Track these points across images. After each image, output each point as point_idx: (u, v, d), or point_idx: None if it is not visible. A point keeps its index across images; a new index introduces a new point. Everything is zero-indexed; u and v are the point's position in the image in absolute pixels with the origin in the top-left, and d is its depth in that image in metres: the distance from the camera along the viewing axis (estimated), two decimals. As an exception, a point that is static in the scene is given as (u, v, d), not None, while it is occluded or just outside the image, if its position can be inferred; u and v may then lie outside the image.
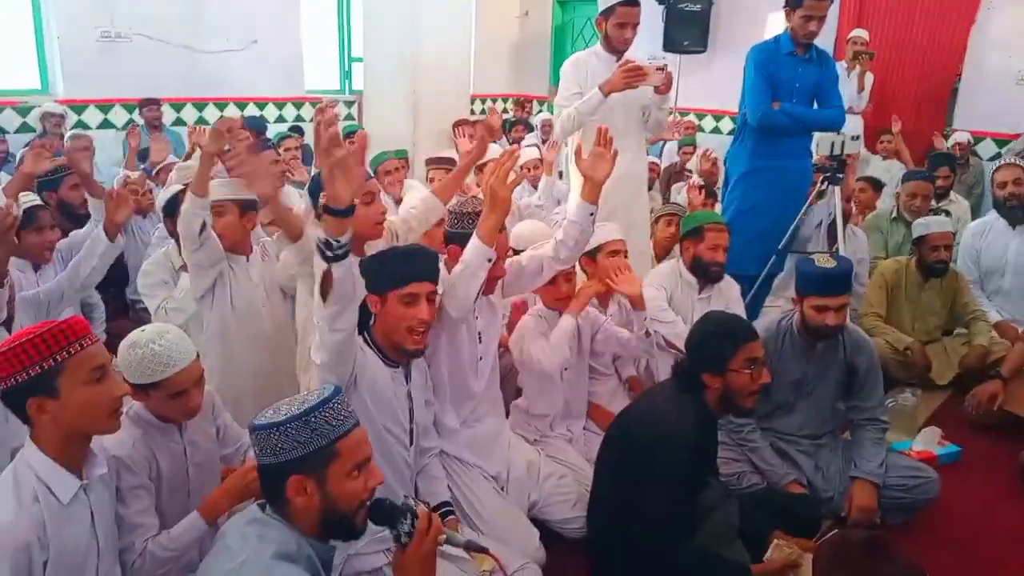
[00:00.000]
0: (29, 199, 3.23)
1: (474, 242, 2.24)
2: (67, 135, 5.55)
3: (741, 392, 2.23)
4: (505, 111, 10.21)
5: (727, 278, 3.49)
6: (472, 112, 8.50)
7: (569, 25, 9.90)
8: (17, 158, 5.04)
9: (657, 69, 3.38)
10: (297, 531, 1.48)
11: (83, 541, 1.66)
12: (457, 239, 2.45)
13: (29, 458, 1.63)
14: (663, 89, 3.49)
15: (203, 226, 2.66)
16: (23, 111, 6.38)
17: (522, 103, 9.38)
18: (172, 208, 3.04)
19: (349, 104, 8.80)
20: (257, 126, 6.60)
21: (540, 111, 9.56)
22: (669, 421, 2.19)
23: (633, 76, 3.34)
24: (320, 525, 1.49)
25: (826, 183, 3.89)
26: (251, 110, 7.58)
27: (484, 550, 1.64)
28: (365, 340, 2.18)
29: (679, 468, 2.15)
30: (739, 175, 4.04)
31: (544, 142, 7.69)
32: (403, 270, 2.09)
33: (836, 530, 2.66)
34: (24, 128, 6.32)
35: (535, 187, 5.23)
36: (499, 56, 9.90)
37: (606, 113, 3.43)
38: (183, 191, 3.05)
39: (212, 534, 2.01)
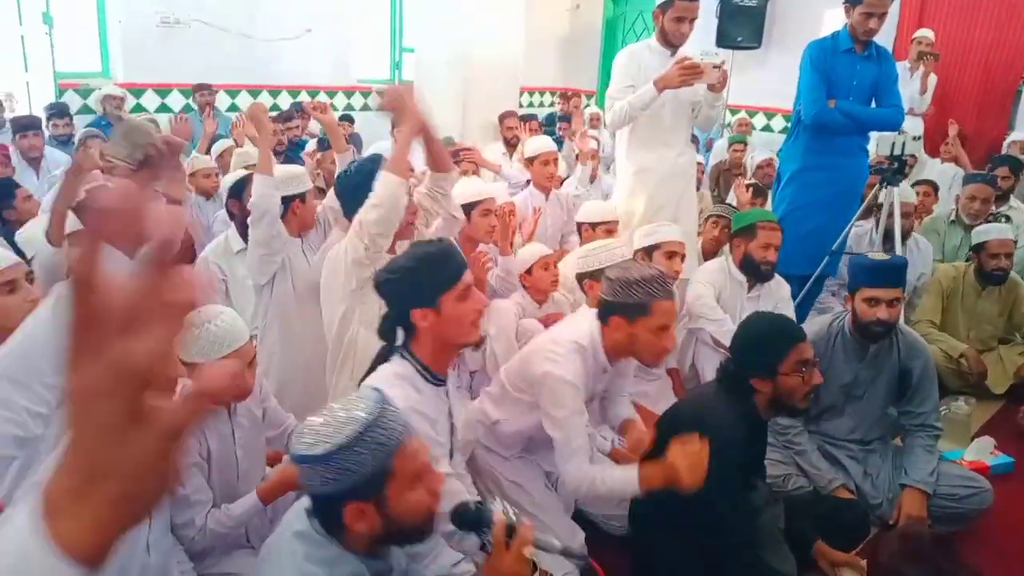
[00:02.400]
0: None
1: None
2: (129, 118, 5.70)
3: (793, 394, 2.18)
4: (552, 104, 10.18)
5: (777, 277, 3.44)
6: (520, 105, 8.50)
7: (620, 19, 9.82)
8: (76, 139, 5.21)
9: (713, 67, 3.33)
10: (350, 551, 1.40)
11: None
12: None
13: None
14: (718, 87, 3.44)
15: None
16: (84, 93, 6.56)
17: (569, 97, 9.33)
18: (238, 190, 3.10)
19: (398, 94, 8.84)
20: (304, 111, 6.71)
21: (587, 105, 9.52)
22: (715, 426, 2.11)
23: (689, 74, 3.29)
24: (381, 542, 1.42)
25: (884, 184, 3.80)
26: (303, 98, 7.67)
27: (584, 558, 1.60)
28: (408, 362, 1.94)
29: (725, 473, 2.09)
30: (792, 173, 3.98)
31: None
32: (448, 270, 1.91)
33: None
34: (85, 110, 6.50)
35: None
36: (549, 49, 9.87)
37: (655, 108, 3.41)
38: (249, 176, 3.13)
39: (264, 514, 2.08)
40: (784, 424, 2.82)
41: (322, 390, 2.85)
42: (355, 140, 6.00)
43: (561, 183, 5.57)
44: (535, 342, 2.41)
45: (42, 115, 5.90)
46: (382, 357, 1.97)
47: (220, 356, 1.96)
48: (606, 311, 2.24)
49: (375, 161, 2.55)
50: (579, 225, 3.72)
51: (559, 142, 7.42)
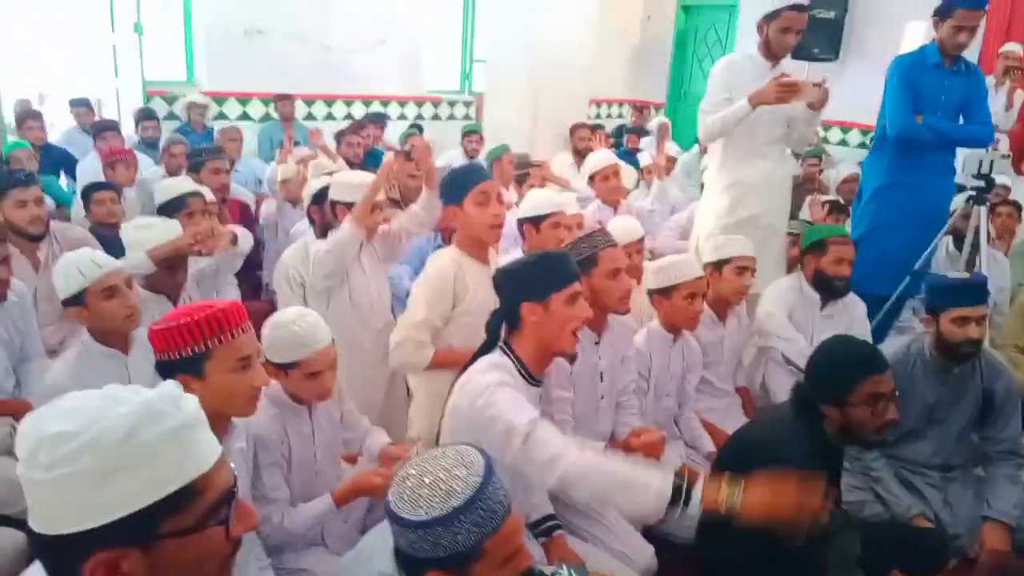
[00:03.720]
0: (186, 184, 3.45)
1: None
2: (216, 127, 5.95)
3: (862, 426, 2.08)
4: (620, 116, 10.15)
5: (852, 296, 3.35)
6: (588, 116, 8.50)
7: (692, 30, 9.74)
8: (161, 144, 5.44)
9: (814, 84, 3.26)
10: None
11: None
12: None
13: None
14: (817, 105, 3.37)
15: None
16: (170, 100, 6.85)
17: (640, 108, 9.29)
18: (320, 197, 3.20)
19: (467, 104, 8.98)
20: (380, 120, 6.91)
21: (657, 116, 9.46)
22: (785, 451, 2.03)
23: (786, 91, 3.23)
24: None
25: (971, 202, 3.66)
26: (375, 107, 7.84)
27: None
28: (507, 356, 2.00)
29: None
30: (875, 189, 3.87)
31: (659, 145, 7.63)
32: (562, 271, 1.99)
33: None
34: (171, 116, 6.78)
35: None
36: (619, 60, 9.85)
37: (749, 122, 3.36)
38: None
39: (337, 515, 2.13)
40: (860, 449, 2.73)
41: (378, 400, 2.92)
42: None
43: (628, 194, 5.54)
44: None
45: (131, 120, 6.20)
46: (482, 352, 2.04)
47: (303, 357, 2.02)
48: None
49: (470, 174, 2.62)
50: None
51: (627, 154, 7.41)
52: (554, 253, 2.09)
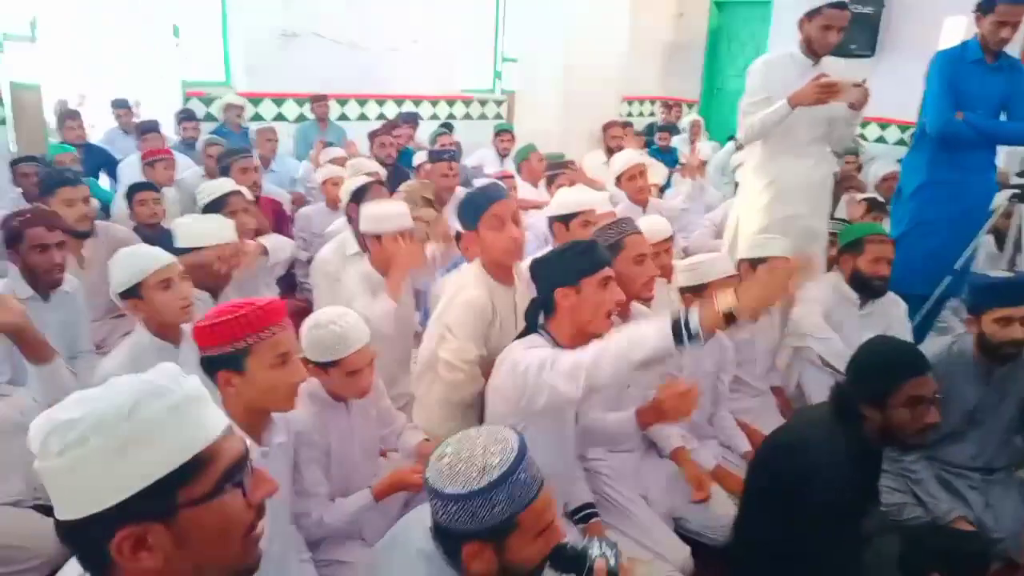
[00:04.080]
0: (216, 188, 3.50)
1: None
2: (253, 127, 6.04)
3: (903, 429, 2.05)
4: (652, 114, 10.11)
5: (891, 295, 3.30)
6: (619, 114, 8.48)
7: (726, 27, 9.66)
8: (199, 145, 5.54)
9: (854, 85, 3.21)
10: None
11: None
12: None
13: None
14: (858, 105, 3.32)
15: None
16: (207, 101, 6.96)
17: (670, 106, 9.23)
18: (358, 195, 3.24)
19: (499, 103, 9.00)
20: (412, 119, 6.96)
21: (689, 114, 9.40)
22: (822, 453, 2.03)
23: (826, 92, 3.19)
24: None
25: (1013, 200, 3.59)
26: (407, 107, 7.90)
27: None
28: (544, 339, 2.11)
29: (833, 502, 2.01)
30: (915, 188, 3.80)
31: (693, 143, 7.59)
32: (593, 257, 2.09)
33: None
34: (208, 117, 6.88)
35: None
36: (651, 58, 9.80)
37: (789, 121, 3.33)
38: (371, 183, 3.37)
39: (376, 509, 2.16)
40: (899, 451, 2.70)
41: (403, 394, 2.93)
42: (456, 149, 6.12)
43: (661, 191, 5.53)
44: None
45: (169, 121, 6.32)
46: (520, 338, 2.13)
47: (343, 356, 2.05)
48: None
49: (480, 198, 2.57)
50: None
51: (658, 152, 7.38)
52: (585, 241, 2.20)
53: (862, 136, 7.46)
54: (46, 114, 5.84)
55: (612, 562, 1.40)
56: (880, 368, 2.08)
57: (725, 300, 1.71)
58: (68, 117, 5.61)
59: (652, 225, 3.14)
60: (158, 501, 0.90)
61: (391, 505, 2.23)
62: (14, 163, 4.63)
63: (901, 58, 6.91)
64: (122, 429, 0.88)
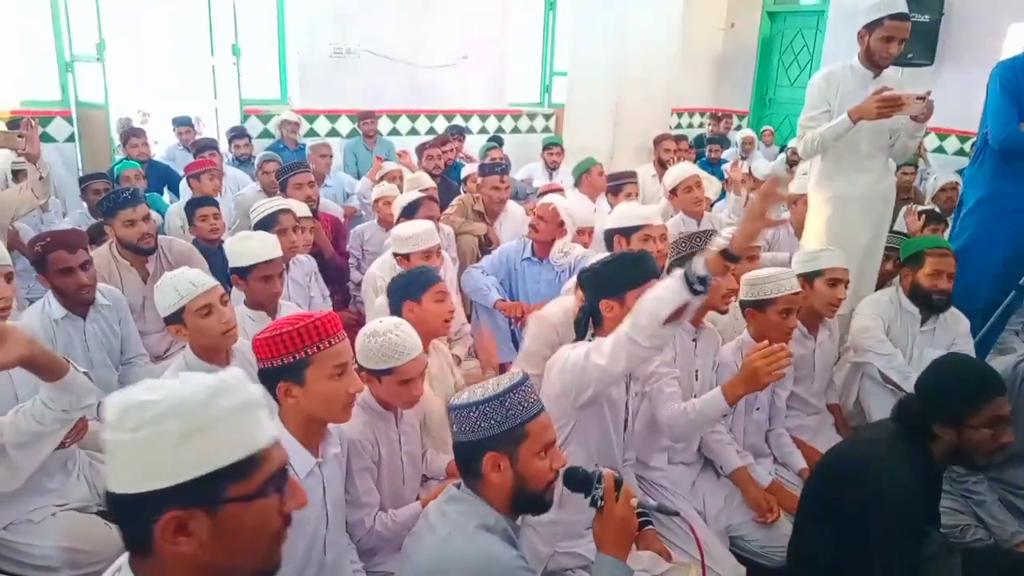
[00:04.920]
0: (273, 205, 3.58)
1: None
2: (308, 143, 6.17)
3: (977, 449, 2.01)
4: (701, 125, 10.03)
5: (954, 310, 3.21)
6: (669, 126, 8.43)
7: (778, 37, 9.56)
8: (256, 162, 5.68)
9: (917, 98, 3.14)
10: (492, 506, 1.58)
11: (315, 513, 1.83)
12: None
13: None
14: (922, 118, 3.25)
15: None
16: (265, 119, 7.15)
17: (720, 118, 9.15)
18: (410, 211, 3.30)
19: (547, 117, 9.04)
20: (460, 133, 7.03)
21: (739, 126, 9.30)
22: (887, 472, 2.00)
23: (888, 106, 3.14)
24: (511, 501, 1.58)
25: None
26: (457, 121, 7.98)
27: (676, 512, 1.85)
28: None
29: (894, 523, 1.98)
30: (977, 200, 3.69)
31: (744, 158, 7.49)
32: (640, 270, 2.14)
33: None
34: (265, 134, 7.09)
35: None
36: (700, 69, 9.75)
37: (851, 135, 3.28)
38: (422, 199, 3.39)
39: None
40: (961, 472, 2.62)
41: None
42: (504, 165, 6.17)
43: (711, 205, 5.47)
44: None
45: (225, 138, 6.51)
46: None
47: (399, 364, 2.09)
48: (670, 270, 2.59)
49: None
50: None
51: (709, 165, 7.31)
52: (632, 253, 2.24)
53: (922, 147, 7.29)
54: (112, 132, 6.08)
55: (619, 475, 1.65)
56: (959, 388, 2.03)
57: (718, 241, 1.95)
58: (132, 135, 5.80)
59: None
60: (209, 490, 0.96)
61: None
62: (84, 180, 4.81)
63: (961, 67, 6.74)
64: (196, 417, 0.95)
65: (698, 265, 1.84)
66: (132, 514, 0.97)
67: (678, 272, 1.87)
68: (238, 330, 2.46)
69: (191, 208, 4.07)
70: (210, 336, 2.35)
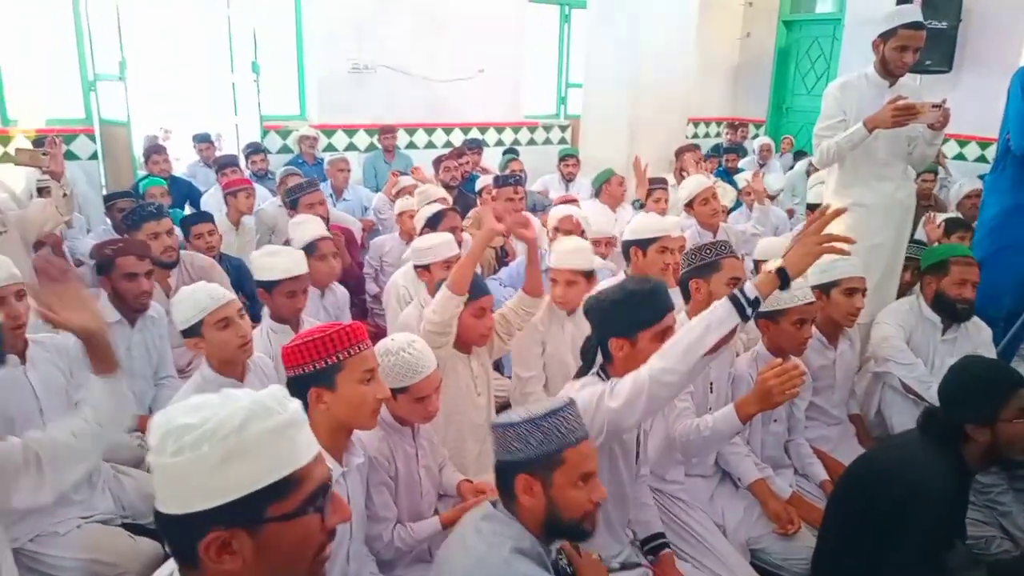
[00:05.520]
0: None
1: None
2: (327, 158, 6.23)
3: (1013, 443, 2.00)
4: (717, 135, 10.01)
5: (976, 319, 3.17)
6: (686, 136, 8.43)
7: (795, 46, 9.54)
8: (277, 176, 5.74)
9: (933, 106, 3.13)
10: (527, 528, 1.57)
11: (340, 525, 1.84)
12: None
13: None
14: (938, 125, 3.24)
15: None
16: (284, 134, 7.24)
17: (736, 127, 9.13)
18: (433, 222, 3.32)
19: (563, 128, 9.07)
20: (477, 146, 7.07)
21: (756, 135, 9.27)
22: (920, 478, 1.99)
23: (903, 115, 3.13)
24: (544, 526, 1.56)
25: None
26: (473, 134, 8.04)
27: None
28: (603, 383, 2.04)
29: (926, 530, 1.97)
30: (998, 208, 3.64)
31: (762, 166, 7.47)
32: (655, 307, 2.01)
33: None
34: (284, 149, 7.17)
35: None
36: (716, 78, 9.75)
37: (869, 142, 3.27)
38: (446, 211, 3.41)
39: (443, 534, 2.18)
40: (986, 483, 2.59)
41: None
42: (519, 176, 6.19)
43: (728, 213, 5.46)
44: None
45: (240, 154, 6.59)
46: (578, 376, 2.10)
47: (412, 382, 2.10)
48: (685, 281, 2.67)
49: None
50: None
51: (726, 174, 7.29)
52: (643, 289, 2.03)
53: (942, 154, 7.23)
54: (134, 149, 6.17)
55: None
56: (984, 385, 2.05)
57: (773, 262, 1.84)
58: (154, 151, 5.89)
59: None
60: (249, 511, 0.98)
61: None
62: (109, 198, 4.89)
63: (980, 74, 6.69)
64: (231, 442, 0.97)
65: (749, 288, 1.78)
66: (178, 534, 1.00)
67: (724, 298, 1.80)
68: (254, 344, 2.49)
69: (187, 224, 4.02)
70: (227, 349, 2.38)
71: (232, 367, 2.42)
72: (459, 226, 3.90)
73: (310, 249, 3.37)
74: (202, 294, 2.39)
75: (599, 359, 2.09)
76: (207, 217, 4.17)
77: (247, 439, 0.98)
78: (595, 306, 2.06)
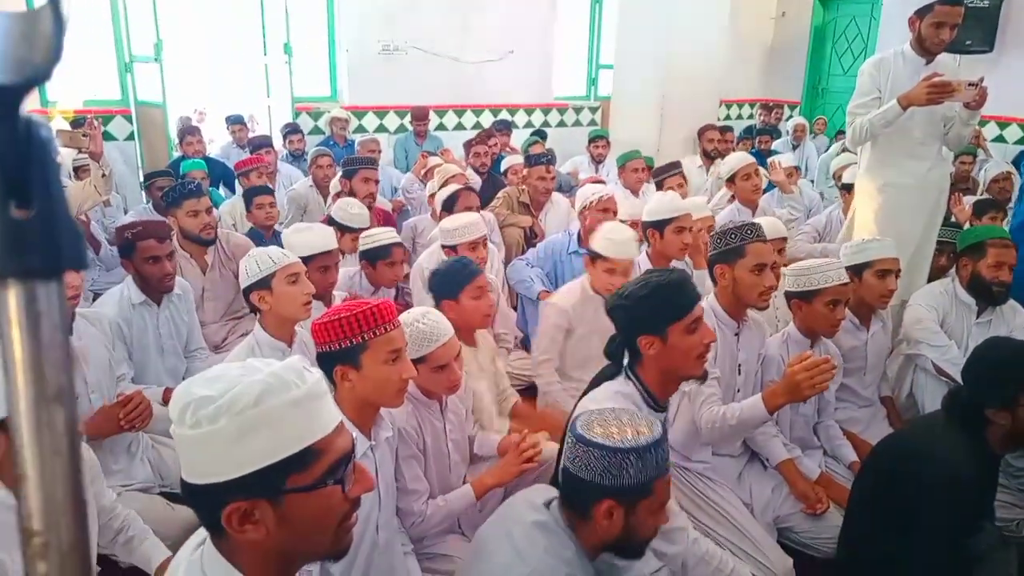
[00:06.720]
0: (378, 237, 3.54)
1: None
2: (357, 139, 6.28)
3: None
4: (751, 116, 9.88)
5: (1012, 302, 3.12)
6: (718, 118, 8.33)
7: (831, 25, 9.36)
8: (309, 156, 5.80)
9: (969, 84, 3.07)
10: (580, 545, 1.51)
11: (368, 495, 1.89)
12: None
13: None
14: (974, 105, 3.18)
15: None
16: (315, 116, 7.30)
17: (770, 108, 8.99)
18: (450, 204, 3.34)
19: (593, 110, 9.02)
20: (505, 127, 7.06)
21: (791, 116, 9.13)
22: (943, 461, 1.97)
23: (939, 93, 3.07)
24: (605, 546, 1.52)
25: None
26: (503, 116, 8.03)
27: None
28: (632, 383, 2.00)
29: (952, 513, 1.95)
30: (1039, 190, 3.60)
31: (795, 148, 7.37)
32: (683, 300, 1.93)
33: None
34: (316, 131, 7.22)
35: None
36: (750, 59, 9.61)
37: (903, 121, 3.22)
38: (460, 191, 3.40)
39: (474, 506, 2.24)
40: (1019, 466, 2.56)
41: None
42: (550, 156, 6.18)
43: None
44: None
45: (278, 135, 6.66)
46: (606, 375, 2.01)
47: (429, 351, 2.13)
48: (711, 265, 2.58)
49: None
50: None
51: (759, 155, 7.20)
52: (669, 282, 1.95)
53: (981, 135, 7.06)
54: (169, 130, 6.27)
55: None
56: (1007, 369, 2.01)
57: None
58: (188, 133, 5.98)
59: (767, 224, 3.06)
60: (268, 483, 0.99)
61: (489, 501, 2.29)
62: (148, 177, 4.98)
63: (1022, 54, 6.51)
64: (247, 416, 0.97)
65: None
66: (202, 502, 1.02)
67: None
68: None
69: (249, 196, 4.24)
70: (293, 304, 2.46)
71: (285, 329, 2.50)
72: (475, 205, 3.89)
73: (382, 253, 3.33)
74: (275, 250, 2.53)
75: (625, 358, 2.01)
76: (268, 190, 4.33)
77: (264, 412, 0.98)
78: (619, 304, 1.95)
